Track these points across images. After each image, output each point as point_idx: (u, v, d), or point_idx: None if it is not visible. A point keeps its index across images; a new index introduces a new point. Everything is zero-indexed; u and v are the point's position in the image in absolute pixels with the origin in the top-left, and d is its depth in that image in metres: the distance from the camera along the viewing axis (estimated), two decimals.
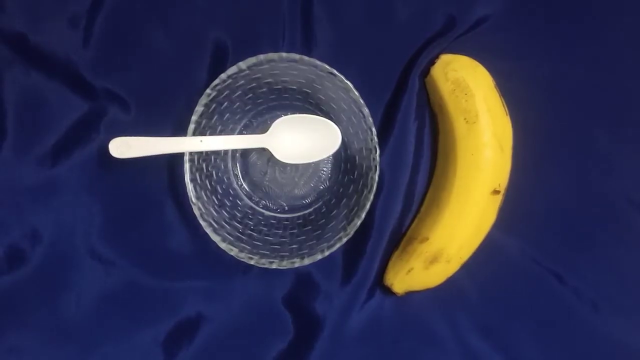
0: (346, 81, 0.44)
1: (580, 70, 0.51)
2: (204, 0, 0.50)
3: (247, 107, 0.49)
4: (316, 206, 0.50)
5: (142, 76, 0.50)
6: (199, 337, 0.49)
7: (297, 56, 0.45)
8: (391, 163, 0.50)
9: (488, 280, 0.49)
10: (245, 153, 0.50)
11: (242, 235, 0.47)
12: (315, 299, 0.49)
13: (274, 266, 0.45)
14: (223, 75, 0.45)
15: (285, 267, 0.45)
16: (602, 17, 0.51)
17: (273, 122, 0.47)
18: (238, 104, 0.48)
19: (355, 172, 0.48)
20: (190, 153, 0.45)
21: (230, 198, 0.49)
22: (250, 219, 0.49)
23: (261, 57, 0.45)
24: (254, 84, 0.47)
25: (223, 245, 0.45)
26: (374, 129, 0.45)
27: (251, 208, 0.50)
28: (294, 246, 0.47)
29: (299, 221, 0.49)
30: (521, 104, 0.48)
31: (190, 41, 0.50)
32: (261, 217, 0.49)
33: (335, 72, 0.44)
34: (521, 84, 0.49)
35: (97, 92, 0.50)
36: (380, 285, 0.49)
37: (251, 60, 0.45)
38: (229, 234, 0.46)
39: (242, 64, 0.45)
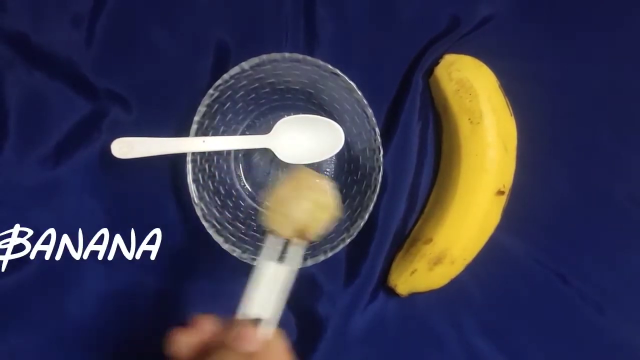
0: (349, 81, 0.44)
1: (585, 69, 0.50)
2: (206, 0, 0.50)
3: (250, 108, 0.49)
4: None
5: (144, 76, 0.50)
6: None
7: (299, 56, 0.44)
8: (395, 163, 0.49)
9: (492, 281, 0.49)
10: (248, 154, 0.50)
11: (245, 236, 0.46)
12: (318, 300, 0.49)
13: None
14: (225, 76, 0.45)
15: None
16: (607, 17, 0.51)
17: (276, 122, 0.47)
18: (241, 104, 0.48)
19: (359, 173, 0.48)
20: (193, 154, 0.45)
21: (233, 199, 0.49)
22: (253, 220, 0.48)
23: (264, 57, 0.44)
24: (256, 84, 0.47)
25: (226, 246, 0.44)
26: (377, 130, 0.45)
27: (254, 209, 0.50)
28: None
29: None
30: (525, 104, 0.48)
31: (193, 41, 0.50)
32: None
33: (338, 72, 0.44)
34: (525, 84, 0.49)
35: (99, 93, 0.50)
36: (383, 286, 0.49)
37: (254, 60, 0.44)
38: (231, 234, 0.46)
39: (245, 64, 0.45)
